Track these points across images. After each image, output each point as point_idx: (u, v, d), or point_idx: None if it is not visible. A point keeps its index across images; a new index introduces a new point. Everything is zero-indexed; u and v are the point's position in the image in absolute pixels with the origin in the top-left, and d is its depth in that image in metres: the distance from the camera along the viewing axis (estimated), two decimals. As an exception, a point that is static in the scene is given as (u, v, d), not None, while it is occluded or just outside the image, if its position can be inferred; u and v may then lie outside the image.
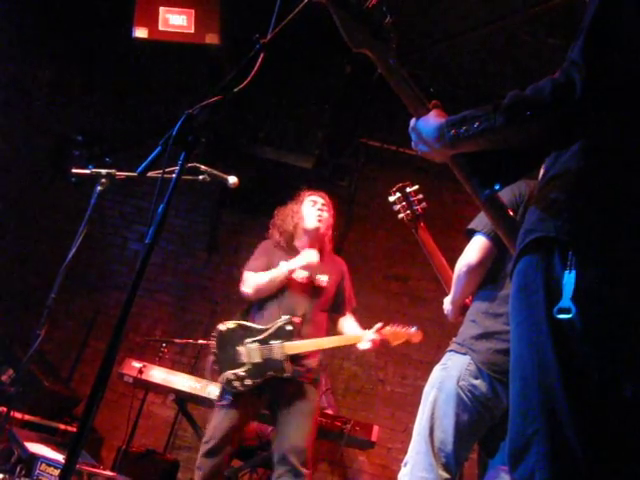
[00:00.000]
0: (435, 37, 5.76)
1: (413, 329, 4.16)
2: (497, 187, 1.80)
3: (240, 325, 4.17)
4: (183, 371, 5.44)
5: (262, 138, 6.34)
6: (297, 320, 4.06)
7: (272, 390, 4.04)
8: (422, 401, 2.84)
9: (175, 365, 6.29)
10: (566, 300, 1.51)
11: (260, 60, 1.92)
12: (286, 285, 4.19)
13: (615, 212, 1.56)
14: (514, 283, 1.68)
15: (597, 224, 1.56)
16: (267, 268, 4.24)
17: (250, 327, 4.14)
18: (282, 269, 4.14)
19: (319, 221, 4.31)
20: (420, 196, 3.41)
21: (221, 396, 4.12)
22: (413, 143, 1.96)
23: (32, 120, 7.02)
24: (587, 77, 1.57)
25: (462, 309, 3.03)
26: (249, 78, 1.91)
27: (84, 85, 7.00)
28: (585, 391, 1.50)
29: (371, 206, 6.74)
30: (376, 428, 4.90)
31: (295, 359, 4.02)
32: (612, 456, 1.49)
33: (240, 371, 4.04)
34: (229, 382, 4.03)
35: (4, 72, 6.70)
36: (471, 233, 2.93)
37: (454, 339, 2.92)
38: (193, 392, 4.96)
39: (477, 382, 2.73)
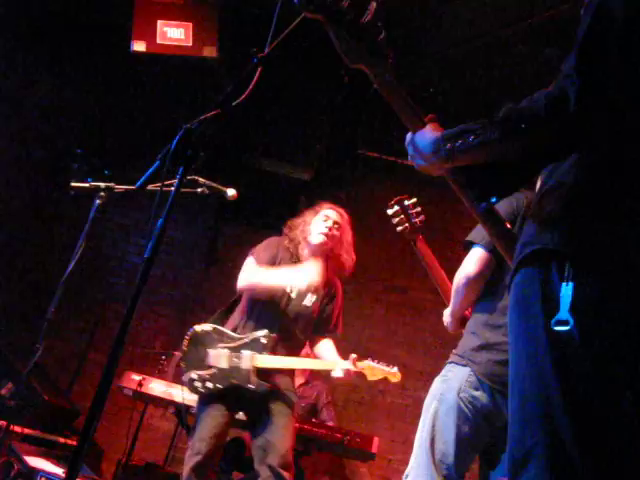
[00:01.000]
0: (433, 48, 5.79)
1: (394, 369, 4.06)
2: (493, 200, 1.82)
3: (216, 329, 4.13)
4: (183, 384, 5.43)
5: (261, 150, 6.37)
6: (274, 336, 3.99)
7: (245, 397, 3.99)
8: (423, 413, 2.83)
9: (175, 378, 6.27)
10: (564, 312, 1.51)
11: (258, 74, 1.93)
12: (278, 295, 4.13)
13: (612, 224, 1.56)
14: (512, 295, 1.68)
15: (594, 236, 1.56)
16: (270, 263, 4.19)
17: (225, 333, 4.09)
18: (283, 281, 4.08)
19: (325, 237, 4.16)
20: (418, 209, 3.36)
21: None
22: (410, 157, 1.97)
23: (31, 132, 7.03)
24: (580, 90, 1.57)
25: (462, 321, 3.03)
26: (247, 92, 1.92)
27: (83, 98, 7.02)
28: (584, 403, 1.50)
29: (370, 217, 6.74)
30: (376, 439, 4.89)
31: (263, 373, 3.96)
32: (612, 468, 1.48)
33: (204, 373, 4.02)
34: (191, 381, 4.03)
35: (2, 84, 6.72)
36: (469, 245, 2.93)
37: (454, 351, 2.92)
38: (193, 405, 4.95)
39: (477, 393, 2.73)
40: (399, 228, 3.32)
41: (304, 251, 4.24)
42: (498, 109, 1.72)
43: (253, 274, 4.12)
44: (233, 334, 4.08)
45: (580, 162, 1.63)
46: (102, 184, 3.52)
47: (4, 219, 6.90)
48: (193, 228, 7.22)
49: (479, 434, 2.75)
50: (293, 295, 4.13)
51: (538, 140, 1.67)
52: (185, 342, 4.17)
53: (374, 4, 1.97)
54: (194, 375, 4.04)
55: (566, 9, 4.74)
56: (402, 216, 3.31)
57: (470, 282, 2.88)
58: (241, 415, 4.21)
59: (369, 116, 6.42)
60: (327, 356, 4.13)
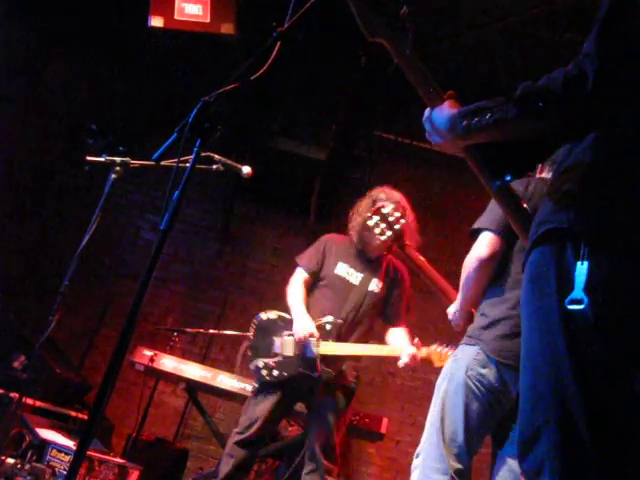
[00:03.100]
0: (450, 31, 5.73)
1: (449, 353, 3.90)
2: (508, 178, 1.80)
3: (281, 317, 4.17)
4: (194, 360, 5.47)
5: (277, 129, 6.34)
6: (339, 322, 4.00)
7: (304, 387, 4.03)
8: (435, 393, 2.85)
9: (186, 354, 6.30)
10: (578, 291, 1.51)
11: (277, 49, 1.91)
12: (338, 284, 4.13)
13: (628, 204, 1.56)
14: (526, 274, 1.68)
15: (610, 216, 1.55)
16: (318, 266, 4.20)
17: (291, 320, 4.09)
18: (295, 319, 4.07)
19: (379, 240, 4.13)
20: (397, 214, 3.33)
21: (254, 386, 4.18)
22: (427, 133, 1.95)
23: (47, 109, 7.03)
24: (599, 69, 1.56)
25: (469, 315, 3.00)
26: (266, 66, 1.91)
27: (98, 74, 7.01)
28: (596, 382, 1.50)
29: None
30: (385, 420, 4.91)
31: (328, 360, 3.96)
32: (622, 447, 1.49)
33: (271, 361, 4.04)
34: (257, 370, 4.05)
35: (18, 61, 6.71)
36: (476, 233, 2.90)
37: (466, 332, 2.93)
38: (203, 381, 4.98)
39: (485, 371, 2.73)
40: (382, 238, 3.31)
41: (366, 244, 4.16)
42: (515, 88, 1.70)
43: (291, 295, 4.17)
44: None
45: (597, 142, 1.62)
46: (117, 159, 3.52)
47: (19, 194, 6.92)
48: (207, 206, 7.22)
49: (488, 412, 2.76)
50: (354, 282, 4.12)
51: (555, 118, 1.65)
52: (252, 330, 4.21)
53: None
54: (260, 363, 4.07)
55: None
56: (384, 225, 3.29)
57: (482, 264, 2.85)
58: (300, 407, 4.32)
59: (386, 97, 6.38)
60: (395, 343, 4.09)
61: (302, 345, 3.98)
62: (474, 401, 2.73)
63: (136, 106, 7.10)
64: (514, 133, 1.75)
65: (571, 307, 1.51)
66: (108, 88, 7.11)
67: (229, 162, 3.57)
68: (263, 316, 4.21)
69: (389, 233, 3.27)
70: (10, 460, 3.75)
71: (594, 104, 1.59)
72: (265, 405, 3.99)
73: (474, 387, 2.73)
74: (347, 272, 4.18)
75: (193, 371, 5.06)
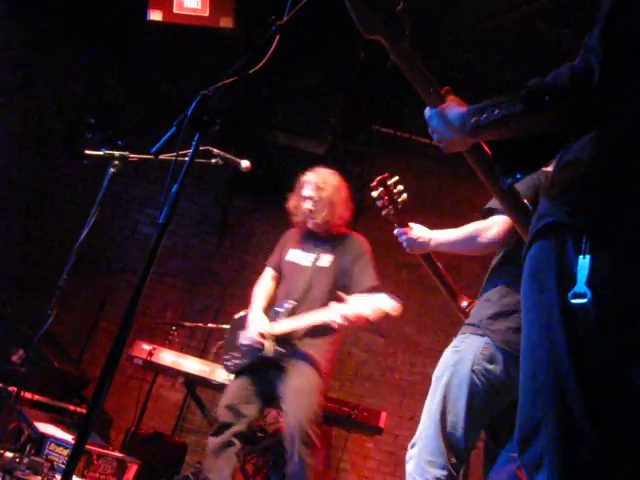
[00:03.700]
0: (449, 27, 5.72)
1: (393, 302, 3.82)
2: (519, 176, 1.80)
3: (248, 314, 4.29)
4: (192, 354, 5.47)
5: (275, 123, 6.33)
6: (291, 304, 4.07)
7: (269, 372, 4.06)
8: (433, 384, 2.81)
9: (184, 348, 6.31)
10: (581, 285, 1.51)
11: (275, 42, 1.91)
12: (290, 270, 4.26)
13: (629, 197, 1.55)
14: (526, 268, 1.68)
15: (611, 209, 1.55)
16: (278, 263, 4.38)
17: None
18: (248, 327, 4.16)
19: (312, 219, 4.24)
20: (401, 187, 3.11)
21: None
22: (431, 131, 1.95)
23: (45, 102, 7.02)
24: (604, 62, 1.56)
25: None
26: (264, 60, 1.90)
27: (97, 67, 6.99)
28: (596, 376, 1.50)
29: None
30: (384, 414, 4.91)
31: (281, 341, 4.02)
32: (622, 441, 1.49)
33: (235, 353, 4.17)
34: (225, 363, 4.25)
35: (17, 54, 6.70)
36: (490, 213, 2.85)
37: (467, 321, 2.88)
38: (202, 375, 4.98)
39: (492, 367, 2.70)
40: (384, 212, 3.09)
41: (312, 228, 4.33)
42: (520, 85, 1.70)
43: (253, 295, 4.33)
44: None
45: (598, 137, 1.62)
46: (116, 153, 3.51)
47: (17, 188, 6.91)
48: (205, 200, 7.21)
49: (489, 407, 2.74)
50: (305, 263, 4.21)
51: (562, 112, 1.65)
52: (227, 331, 4.43)
53: None
54: (227, 356, 4.23)
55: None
56: (386, 197, 3.09)
57: (490, 246, 2.85)
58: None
59: (384, 91, 6.37)
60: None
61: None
62: (477, 396, 2.70)
63: (135, 100, 7.10)
64: (523, 129, 1.75)
65: (574, 301, 1.51)
66: (107, 82, 7.10)
67: (228, 156, 3.57)
68: (236, 315, 4.40)
69: (390, 207, 3.08)
70: (9, 454, 3.76)
71: (599, 98, 1.59)
72: (229, 389, 4.14)
73: (478, 382, 2.70)
74: (297, 256, 4.29)
75: (192, 365, 5.05)
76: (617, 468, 1.48)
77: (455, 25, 5.69)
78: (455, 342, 2.84)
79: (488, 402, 2.73)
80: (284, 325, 4.05)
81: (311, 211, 4.24)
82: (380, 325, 6.37)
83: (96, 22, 6.40)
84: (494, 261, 2.97)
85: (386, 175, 3.12)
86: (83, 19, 6.42)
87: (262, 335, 4.05)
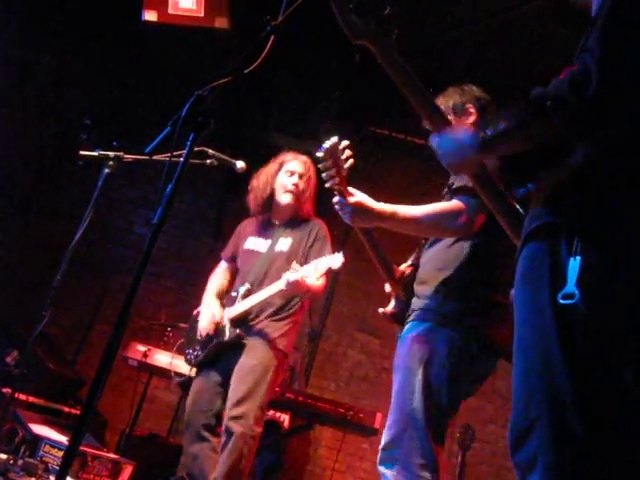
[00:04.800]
0: (443, 26, 5.73)
1: (335, 255, 3.74)
2: (530, 186, 1.80)
3: None
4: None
5: (271, 124, 6.32)
6: (246, 287, 4.03)
7: (229, 357, 3.99)
8: (403, 375, 2.65)
9: (176, 346, 6.30)
10: (570, 286, 1.52)
11: (270, 42, 1.90)
12: (246, 257, 4.21)
13: (621, 200, 1.56)
14: (519, 268, 1.69)
15: (603, 211, 1.56)
16: (233, 252, 4.35)
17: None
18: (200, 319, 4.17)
19: (292, 194, 4.15)
20: (349, 152, 2.62)
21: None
22: (440, 156, 1.95)
23: (40, 103, 7.00)
24: (602, 63, 1.57)
25: (368, 233, 2.86)
26: (259, 60, 1.90)
27: (92, 68, 6.98)
28: (588, 376, 1.51)
29: (379, 193, 6.71)
30: (379, 415, 4.90)
31: (238, 322, 3.98)
32: (614, 441, 1.50)
33: (195, 345, 4.14)
34: (185, 358, 4.21)
35: (12, 55, 6.69)
36: (460, 193, 2.72)
37: (425, 305, 2.73)
38: (184, 372, 4.96)
39: (466, 356, 2.64)
40: (328, 183, 2.65)
41: (274, 207, 4.24)
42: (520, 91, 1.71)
43: (207, 290, 4.32)
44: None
45: (591, 138, 1.63)
46: (111, 153, 3.51)
47: (13, 188, 6.89)
48: (200, 201, 7.21)
49: (465, 394, 2.73)
50: (261, 249, 4.18)
51: (566, 118, 1.65)
52: (187, 329, 4.36)
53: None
54: (188, 350, 4.19)
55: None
56: (334, 168, 2.62)
57: (455, 234, 2.75)
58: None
59: (379, 93, 6.38)
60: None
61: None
62: (456, 385, 2.65)
63: (130, 100, 7.08)
64: (530, 139, 1.75)
65: (563, 302, 1.52)
66: (102, 82, 7.08)
67: (223, 157, 3.57)
68: (195, 312, 4.33)
69: (336, 178, 2.63)
70: (3, 456, 3.75)
71: (597, 100, 1.59)
72: (193, 386, 4.09)
73: (457, 374, 2.64)
74: (255, 243, 4.25)
75: (187, 367, 5.04)
76: (610, 468, 1.49)
77: (448, 24, 5.70)
78: (419, 331, 2.69)
79: (467, 388, 2.71)
80: (237, 308, 4.01)
81: (296, 185, 4.15)
82: (375, 326, 6.38)
83: (91, 22, 6.39)
84: None
85: (335, 142, 2.60)
86: (79, 19, 6.42)
87: (216, 322, 4.03)
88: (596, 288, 1.52)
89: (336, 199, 2.68)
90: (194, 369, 4.20)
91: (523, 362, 1.62)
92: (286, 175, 4.20)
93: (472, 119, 3.00)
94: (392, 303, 3.06)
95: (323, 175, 2.66)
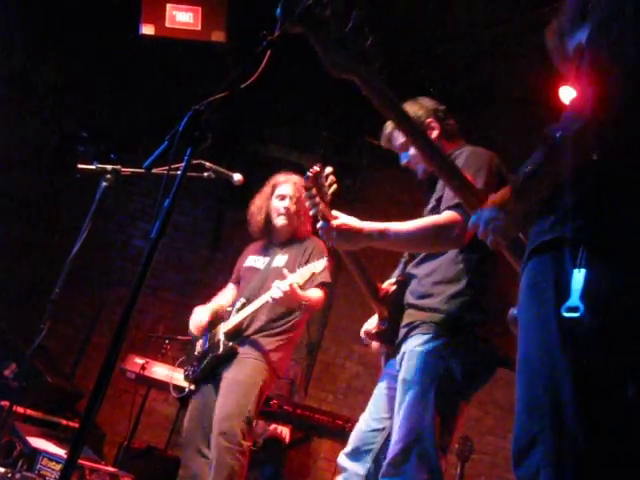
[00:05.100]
0: (444, 37, 5.77)
1: (319, 261, 3.81)
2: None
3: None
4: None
5: (268, 136, 6.35)
6: (241, 302, 4.05)
7: (223, 370, 3.98)
8: (415, 394, 2.62)
9: (177, 362, 6.29)
10: (574, 299, 1.51)
11: (267, 57, 1.92)
12: (245, 275, 4.26)
13: (628, 212, 1.57)
14: (524, 281, 1.68)
15: (608, 224, 1.56)
16: (237, 276, 4.40)
17: (209, 322, 4.22)
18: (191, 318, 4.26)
19: (285, 217, 4.21)
20: (332, 178, 2.72)
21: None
22: (482, 232, 1.91)
23: (38, 116, 7.02)
24: (596, 85, 1.60)
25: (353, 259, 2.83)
26: (256, 75, 1.91)
27: (90, 81, 7.01)
28: (591, 390, 1.50)
29: (376, 204, 6.74)
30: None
31: (232, 336, 4.00)
32: (618, 455, 1.49)
33: (193, 362, 4.15)
34: (185, 375, 4.22)
35: (10, 68, 6.71)
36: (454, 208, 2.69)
37: (429, 317, 2.69)
38: (191, 388, 4.96)
39: (472, 371, 2.67)
40: (312, 211, 2.70)
41: (273, 231, 4.30)
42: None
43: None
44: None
45: (597, 157, 1.62)
46: (109, 167, 3.51)
47: (9, 201, 6.90)
48: (198, 213, 7.23)
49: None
50: (259, 266, 4.22)
51: (580, 145, 1.66)
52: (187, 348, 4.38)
53: (357, 11, 1.98)
54: (187, 367, 4.21)
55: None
56: (317, 196, 2.69)
57: (447, 249, 2.74)
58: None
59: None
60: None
61: (212, 335, 4.09)
62: (464, 400, 2.69)
63: (127, 114, 7.11)
64: (555, 176, 1.72)
65: (567, 315, 1.51)
66: (99, 96, 7.11)
67: (220, 169, 3.58)
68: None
69: (321, 204, 2.69)
70: (0, 469, 3.74)
71: (599, 117, 1.60)
72: (191, 402, 4.11)
73: (466, 388, 2.68)
74: (254, 261, 4.30)
75: (179, 377, 5.04)
76: None
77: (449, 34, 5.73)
78: (432, 345, 2.65)
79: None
80: (230, 321, 4.04)
81: (287, 209, 4.21)
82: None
83: (90, 36, 6.42)
84: None
85: (318, 169, 2.72)
86: (77, 33, 6.45)
87: (202, 326, 4.11)
88: (601, 301, 1.51)
89: (319, 224, 2.66)
90: (193, 385, 4.20)
91: (527, 375, 1.62)
92: (277, 200, 4.28)
93: (436, 133, 3.02)
94: (374, 322, 3.04)
95: (307, 203, 2.69)
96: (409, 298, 2.84)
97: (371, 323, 3.07)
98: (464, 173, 2.37)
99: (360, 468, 2.78)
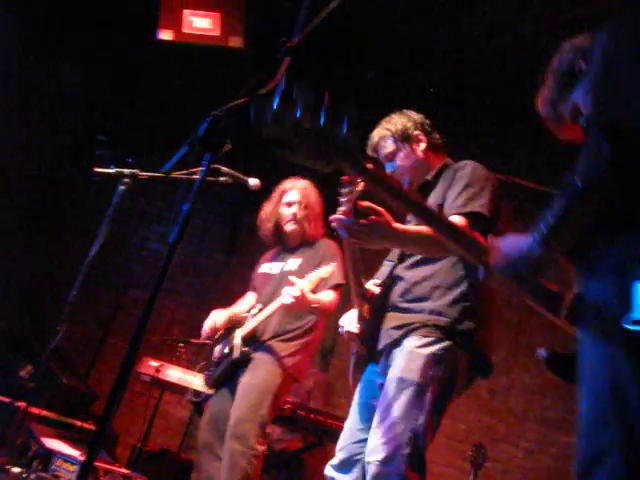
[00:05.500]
0: (457, 46, 5.77)
1: (327, 267, 3.83)
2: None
3: (225, 328, 4.27)
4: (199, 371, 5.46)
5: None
6: (257, 307, 4.06)
7: (239, 375, 3.99)
8: (412, 395, 2.62)
9: (191, 365, 6.30)
10: (638, 311, 1.52)
11: (286, 64, 1.93)
12: (260, 281, 4.29)
13: None
14: (587, 294, 1.72)
15: None
16: (254, 283, 4.41)
17: (228, 328, 4.23)
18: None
19: (294, 222, 4.23)
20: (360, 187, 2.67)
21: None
22: (509, 289, 1.97)
23: (55, 120, 7.08)
24: (607, 132, 1.64)
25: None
26: (275, 81, 1.92)
27: (108, 86, 7.06)
28: None
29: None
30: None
31: (248, 341, 4.01)
32: None
33: (212, 366, 4.19)
34: (204, 379, 4.25)
35: (29, 72, 6.77)
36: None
37: (433, 319, 2.70)
38: (209, 392, 4.98)
39: (471, 375, 2.74)
40: (344, 206, 2.68)
41: (284, 237, 4.32)
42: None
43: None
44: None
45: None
46: (126, 170, 3.53)
47: (28, 205, 6.96)
48: (214, 217, 7.25)
49: None
50: (273, 272, 4.24)
51: (600, 189, 1.70)
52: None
53: (326, 107, 2.02)
54: (206, 372, 4.24)
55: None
56: (350, 191, 2.69)
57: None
58: None
59: (392, 107, 6.42)
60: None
61: (230, 340, 4.10)
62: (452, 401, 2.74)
63: (144, 118, 7.15)
64: (578, 222, 1.78)
65: (632, 327, 1.51)
66: (117, 100, 7.16)
67: (236, 174, 3.59)
68: (216, 335, 4.33)
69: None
70: (16, 469, 3.76)
71: (619, 161, 1.65)
72: (208, 406, 4.12)
73: (459, 391, 2.73)
74: (268, 267, 4.33)
75: (198, 382, 5.05)
76: None
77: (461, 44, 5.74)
78: (435, 349, 2.67)
79: None
80: (246, 326, 4.05)
81: (295, 215, 4.23)
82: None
83: (108, 39, 6.47)
84: None
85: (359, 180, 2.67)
86: (95, 36, 6.50)
87: (216, 327, 4.15)
88: None
89: (346, 220, 2.62)
90: (211, 390, 4.22)
91: (591, 391, 1.61)
92: (285, 207, 4.30)
93: (424, 146, 3.06)
94: (355, 323, 3.01)
95: (341, 199, 2.68)
96: (398, 301, 2.83)
97: (349, 322, 3.04)
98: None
99: (347, 478, 2.79)
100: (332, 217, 2.63)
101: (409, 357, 2.68)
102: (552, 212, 1.77)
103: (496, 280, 2.01)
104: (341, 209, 2.66)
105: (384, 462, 2.57)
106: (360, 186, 2.63)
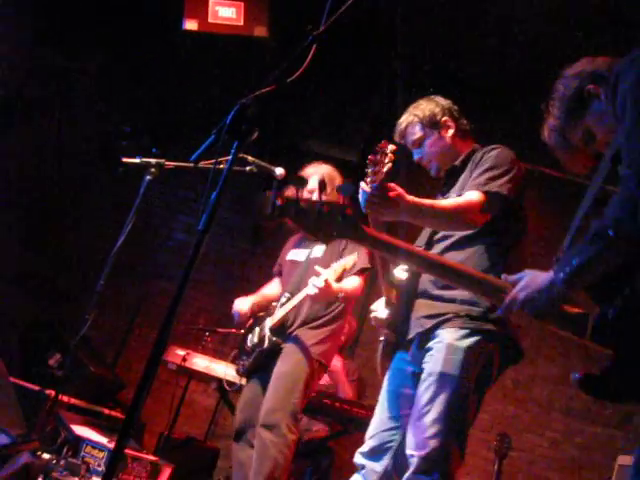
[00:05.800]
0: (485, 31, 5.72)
1: (350, 257, 3.85)
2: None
3: (255, 317, 4.31)
4: (225, 360, 5.50)
5: (308, 131, 6.35)
6: (285, 297, 4.09)
7: (271, 365, 4.01)
8: (456, 389, 2.60)
9: (217, 354, 6.34)
10: None
11: (312, 52, 1.93)
12: (288, 268, 4.32)
13: None
14: None
15: None
16: (280, 269, 4.45)
17: (258, 317, 4.28)
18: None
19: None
20: (391, 156, 2.63)
21: None
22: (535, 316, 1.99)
23: (81, 110, 7.13)
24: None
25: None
26: (302, 69, 1.92)
27: (133, 76, 7.08)
28: None
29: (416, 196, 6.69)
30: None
31: (277, 331, 4.05)
32: None
33: (243, 356, 4.23)
34: (237, 369, 4.31)
35: (53, 62, 6.82)
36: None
37: (462, 309, 2.68)
38: (234, 380, 5.01)
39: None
40: (369, 183, 2.60)
41: None
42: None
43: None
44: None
45: None
46: (153, 160, 3.55)
47: (56, 195, 7.03)
48: (238, 206, 7.25)
49: None
50: (300, 259, 4.26)
51: (629, 241, 1.75)
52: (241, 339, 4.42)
53: (319, 187, 2.04)
54: (238, 361, 4.28)
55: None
56: (377, 169, 2.61)
57: (469, 229, 2.76)
58: None
59: (415, 97, 6.39)
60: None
61: (261, 329, 4.14)
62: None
63: (169, 108, 7.17)
64: (604, 267, 1.83)
65: None
66: (142, 90, 7.18)
67: (262, 164, 3.60)
68: (248, 323, 4.37)
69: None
70: (46, 455, 3.81)
71: None
72: (242, 394, 4.15)
73: (493, 383, 2.74)
74: (295, 254, 4.35)
75: (224, 371, 5.09)
76: None
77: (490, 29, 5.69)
78: (472, 342, 2.64)
79: None
80: (275, 316, 4.08)
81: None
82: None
83: (133, 31, 6.49)
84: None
85: (383, 145, 2.67)
86: (121, 28, 6.52)
87: (244, 312, 4.19)
88: None
89: (373, 187, 2.55)
90: (244, 379, 4.29)
91: None
92: (307, 194, 4.28)
93: (452, 132, 3.04)
94: (385, 310, 2.98)
95: (367, 178, 2.61)
96: (430, 288, 2.80)
97: (379, 308, 3.01)
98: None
99: (377, 465, 2.78)
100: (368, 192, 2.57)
101: (448, 351, 2.65)
102: (579, 258, 1.81)
103: (516, 315, 2.04)
104: (373, 183, 2.59)
105: (428, 457, 2.57)
106: (386, 167, 2.60)
